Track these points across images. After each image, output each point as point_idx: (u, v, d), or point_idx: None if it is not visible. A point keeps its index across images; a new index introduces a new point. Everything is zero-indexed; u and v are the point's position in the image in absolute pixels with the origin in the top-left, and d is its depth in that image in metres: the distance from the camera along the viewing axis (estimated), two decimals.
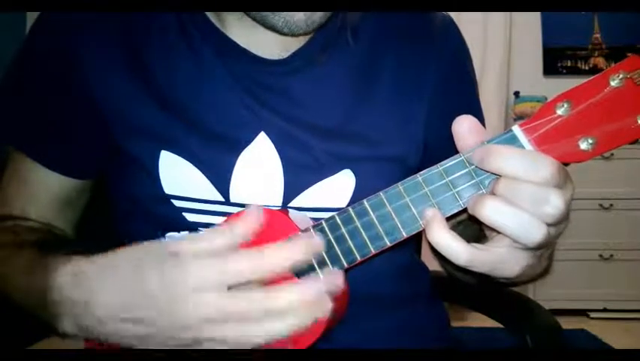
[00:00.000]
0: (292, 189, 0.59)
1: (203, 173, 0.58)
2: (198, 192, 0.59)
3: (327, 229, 0.49)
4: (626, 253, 2.58)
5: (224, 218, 0.56)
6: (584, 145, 0.42)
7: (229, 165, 0.59)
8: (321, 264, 0.50)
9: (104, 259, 0.44)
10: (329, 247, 0.49)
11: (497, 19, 2.90)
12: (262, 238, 0.52)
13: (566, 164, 0.43)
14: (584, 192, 2.43)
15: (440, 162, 0.45)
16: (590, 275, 2.59)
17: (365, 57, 0.63)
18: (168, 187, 0.59)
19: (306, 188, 0.60)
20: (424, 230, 0.44)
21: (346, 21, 0.63)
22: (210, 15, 0.60)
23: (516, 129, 0.44)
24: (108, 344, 0.43)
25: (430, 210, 0.44)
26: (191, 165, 0.58)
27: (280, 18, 0.53)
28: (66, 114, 0.61)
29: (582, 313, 2.59)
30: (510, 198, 0.40)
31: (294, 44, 0.61)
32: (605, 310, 2.60)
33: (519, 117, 2.74)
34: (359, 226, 0.47)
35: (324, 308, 0.39)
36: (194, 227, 0.60)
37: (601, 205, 2.58)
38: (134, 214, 0.63)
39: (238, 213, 0.55)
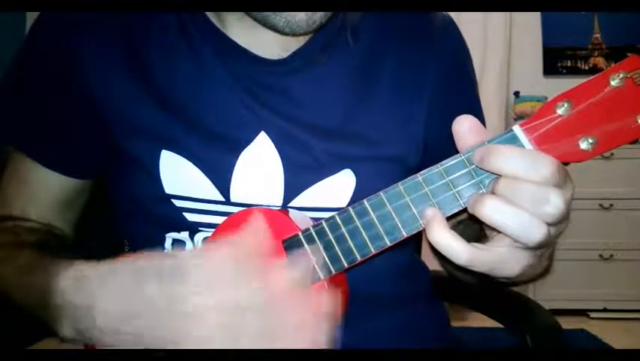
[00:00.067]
0: (292, 188, 0.59)
1: (203, 173, 0.58)
2: (199, 191, 0.59)
3: (327, 228, 0.49)
4: (626, 253, 2.58)
5: (225, 218, 0.56)
6: (584, 145, 0.42)
7: (229, 165, 0.59)
8: (322, 264, 0.50)
9: (106, 266, 0.44)
10: (329, 247, 0.49)
11: (497, 19, 2.90)
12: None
13: (566, 163, 0.43)
14: (584, 192, 2.43)
15: (440, 161, 0.45)
16: (590, 275, 2.59)
17: (365, 57, 0.63)
18: (168, 187, 0.59)
19: (307, 188, 0.60)
20: (424, 230, 0.44)
21: (346, 21, 0.63)
22: (210, 15, 0.60)
23: (516, 129, 0.44)
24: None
25: (430, 209, 0.44)
26: (191, 164, 0.58)
27: (281, 18, 0.53)
28: (66, 114, 0.61)
29: (582, 313, 2.60)
30: (510, 197, 0.40)
31: (294, 44, 0.61)
32: (605, 310, 2.60)
33: (519, 117, 2.74)
34: (359, 225, 0.47)
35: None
36: (194, 227, 0.60)
37: (601, 205, 2.58)
38: (134, 214, 0.63)
39: (238, 213, 0.55)
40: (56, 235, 0.63)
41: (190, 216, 0.59)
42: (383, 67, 0.63)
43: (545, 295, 2.41)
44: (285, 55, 0.61)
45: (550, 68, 2.99)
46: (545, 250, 0.46)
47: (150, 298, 0.40)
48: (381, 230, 0.47)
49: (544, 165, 0.40)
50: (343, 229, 0.48)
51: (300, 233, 0.50)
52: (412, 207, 0.45)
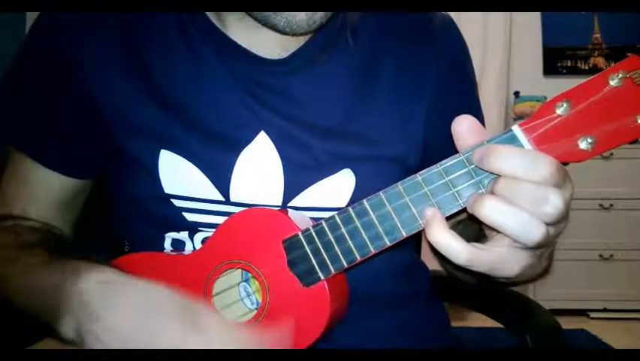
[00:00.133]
0: (292, 188, 0.59)
1: (203, 172, 0.58)
2: (198, 191, 0.59)
3: (327, 228, 0.49)
4: (626, 253, 2.58)
5: (224, 217, 0.56)
6: (583, 145, 0.42)
7: (229, 165, 0.59)
8: (322, 264, 0.50)
9: (130, 278, 0.46)
10: (329, 247, 0.49)
11: (497, 19, 2.90)
12: (262, 237, 0.53)
13: (565, 163, 0.43)
14: (584, 192, 2.43)
15: (440, 161, 0.45)
16: (590, 275, 2.59)
17: (365, 57, 0.63)
18: (168, 187, 0.59)
19: (306, 187, 0.60)
20: (423, 230, 0.44)
21: (346, 21, 0.63)
22: (210, 15, 0.60)
23: (516, 129, 0.44)
24: None
25: (429, 209, 0.44)
26: (191, 164, 0.58)
27: (282, 18, 0.53)
28: (66, 114, 0.61)
29: (582, 313, 2.60)
30: (509, 197, 0.40)
31: (293, 44, 0.61)
32: (605, 310, 2.60)
33: (519, 117, 2.74)
34: (359, 225, 0.47)
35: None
36: (194, 227, 0.60)
37: (601, 205, 2.58)
38: (134, 214, 0.63)
39: (238, 213, 0.55)
40: (56, 234, 0.63)
41: (190, 216, 0.60)
42: (383, 67, 0.63)
43: (545, 295, 2.41)
44: (285, 55, 0.61)
45: (550, 68, 2.99)
46: (545, 250, 0.46)
47: (159, 342, 0.42)
48: (380, 230, 0.47)
49: (544, 165, 0.40)
50: (343, 229, 0.48)
51: (299, 233, 0.50)
52: (412, 207, 0.45)
